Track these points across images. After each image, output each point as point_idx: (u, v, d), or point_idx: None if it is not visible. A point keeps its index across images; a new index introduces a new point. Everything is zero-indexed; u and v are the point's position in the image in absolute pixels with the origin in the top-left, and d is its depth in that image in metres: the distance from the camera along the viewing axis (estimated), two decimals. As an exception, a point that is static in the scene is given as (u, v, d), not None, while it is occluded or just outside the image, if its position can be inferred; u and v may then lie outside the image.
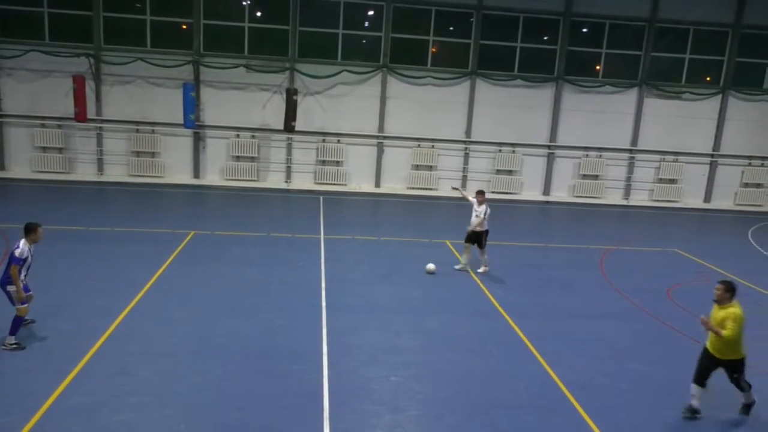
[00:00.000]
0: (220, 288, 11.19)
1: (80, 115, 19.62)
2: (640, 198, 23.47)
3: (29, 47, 19.75)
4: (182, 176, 21.41)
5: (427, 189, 22.41)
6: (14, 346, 8.24)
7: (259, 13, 21.31)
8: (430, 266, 12.85)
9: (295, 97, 20.20)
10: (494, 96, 22.20)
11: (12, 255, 8.24)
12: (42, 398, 6.99)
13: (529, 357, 9.07)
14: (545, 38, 22.38)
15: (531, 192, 23.06)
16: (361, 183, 22.33)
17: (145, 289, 10.77)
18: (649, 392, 8.21)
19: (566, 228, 19.64)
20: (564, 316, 10.86)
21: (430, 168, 22.48)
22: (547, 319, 10.64)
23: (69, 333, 8.81)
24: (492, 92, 22.20)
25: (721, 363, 7.46)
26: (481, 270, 13.07)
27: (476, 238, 12.93)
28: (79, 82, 19.34)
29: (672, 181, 23.48)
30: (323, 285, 11.59)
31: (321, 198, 20.37)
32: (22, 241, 8.32)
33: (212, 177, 21.68)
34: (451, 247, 15.02)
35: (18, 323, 8.33)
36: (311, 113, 21.58)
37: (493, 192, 22.51)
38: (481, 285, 12.28)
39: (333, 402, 7.39)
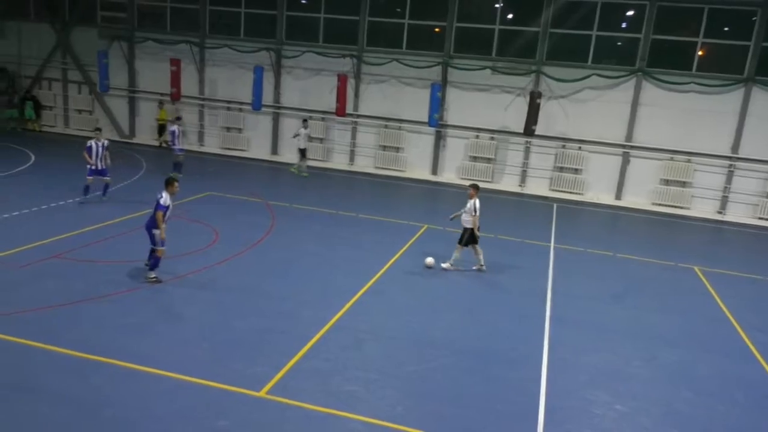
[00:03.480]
0: (446, 283, 11.53)
1: (340, 110, 21.82)
2: None
3: (306, 48, 22.51)
4: (421, 172, 22.49)
5: (676, 207, 20.26)
6: (153, 279, 9.96)
7: (510, 16, 21.31)
8: (429, 260, 12.14)
9: (538, 101, 19.82)
10: (775, 107, 19.15)
11: (157, 203, 9.79)
12: (288, 356, 7.96)
13: (790, 416, 7.68)
14: None
15: (812, 222, 19.39)
16: (599, 193, 21.08)
17: (379, 273, 11.57)
18: None
19: None
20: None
21: (683, 184, 20.27)
22: (820, 377, 8.88)
23: (314, 303, 9.89)
24: (772, 102, 19.17)
25: None
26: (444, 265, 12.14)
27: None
28: (342, 80, 21.51)
29: None
30: (549, 296, 11.22)
31: (555, 205, 19.70)
32: (164, 192, 9.87)
33: (448, 174, 22.38)
34: (701, 274, 13.37)
35: (157, 262, 9.98)
36: (553, 117, 20.97)
37: (762, 218, 19.49)
38: (734, 320, 10.73)
39: (549, 418, 7.13)
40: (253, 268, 11.35)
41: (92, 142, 14.73)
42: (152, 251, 10.11)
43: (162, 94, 24.20)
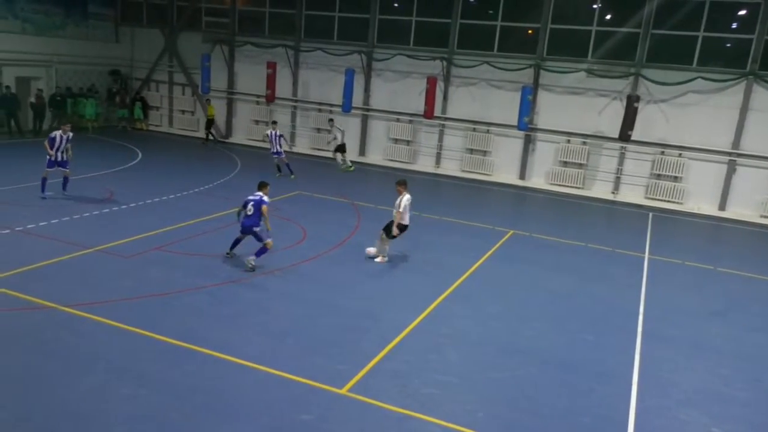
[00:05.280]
0: (531, 290, 11.27)
1: (428, 113, 21.84)
2: None
3: (397, 51, 22.71)
4: (508, 176, 22.09)
5: (788, 220, 18.74)
6: (252, 266, 10.66)
7: (608, 16, 20.51)
8: (370, 250, 12.12)
9: (636, 105, 18.95)
10: None
11: (263, 200, 10.65)
12: (369, 356, 8.06)
13: None
14: None
15: None
16: (701, 203, 19.85)
17: (462, 278, 11.47)
18: None
19: None
20: None
21: (796, 196, 18.72)
22: None
23: (396, 305, 9.97)
24: None
25: None
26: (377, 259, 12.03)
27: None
28: (431, 82, 21.54)
29: None
30: (641, 308, 10.70)
31: (650, 214, 18.75)
32: (260, 192, 10.83)
33: (537, 180, 21.85)
34: (814, 294, 12.29)
35: (264, 251, 10.70)
36: (651, 122, 19.96)
37: None
38: None
39: (637, 437, 6.81)
40: (338, 266, 11.59)
41: (57, 134, 14.40)
42: (263, 245, 10.73)
43: (258, 96, 25.23)
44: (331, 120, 22.08)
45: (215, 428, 6.32)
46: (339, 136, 21.22)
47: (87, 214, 13.43)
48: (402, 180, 12.21)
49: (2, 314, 8.44)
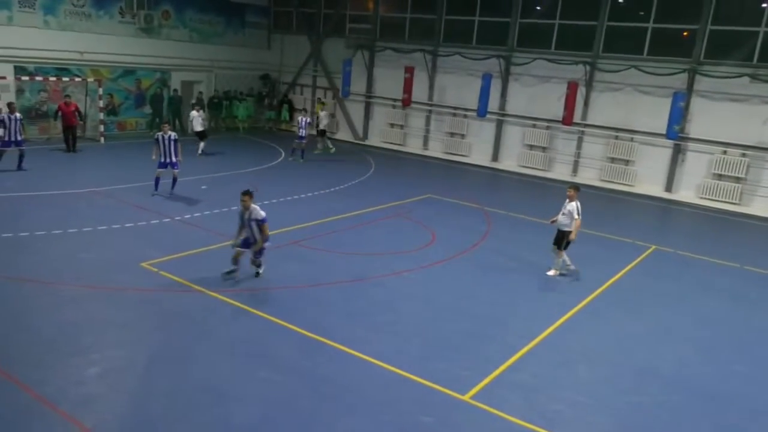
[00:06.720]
0: (675, 311, 10.44)
1: (567, 119, 21.03)
2: None
3: (537, 55, 22.09)
4: (652, 187, 20.62)
5: None
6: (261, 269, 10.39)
7: (781, 15, 18.45)
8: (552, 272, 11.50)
9: (810, 113, 16.88)
10: None
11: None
12: (494, 364, 7.91)
13: None
14: None
15: None
16: None
17: (597, 292, 10.91)
18: None
19: None
20: None
21: None
22: None
23: (524, 314, 9.72)
24: None
25: None
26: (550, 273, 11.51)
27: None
28: (572, 87, 20.71)
29: None
30: (808, 342, 9.51)
31: (823, 237, 16.59)
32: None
33: (685, 193, 20.17)
34: None
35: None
36: (830, 133, 17.68)
37: None
38: None
39: (796, 486, 6.06)
40: (467, 271, 11.51)
41: (159, 135, 14.92)
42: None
43: (394, 100, 25.77)
44: (319, 98, 24.50)
45: (339, 419, 6.54)
46: (325, 120, 23.34)
47: (234, 207, 14.36)
48: (576, 185, 11.98)
49: (161, 294, 9.37)
